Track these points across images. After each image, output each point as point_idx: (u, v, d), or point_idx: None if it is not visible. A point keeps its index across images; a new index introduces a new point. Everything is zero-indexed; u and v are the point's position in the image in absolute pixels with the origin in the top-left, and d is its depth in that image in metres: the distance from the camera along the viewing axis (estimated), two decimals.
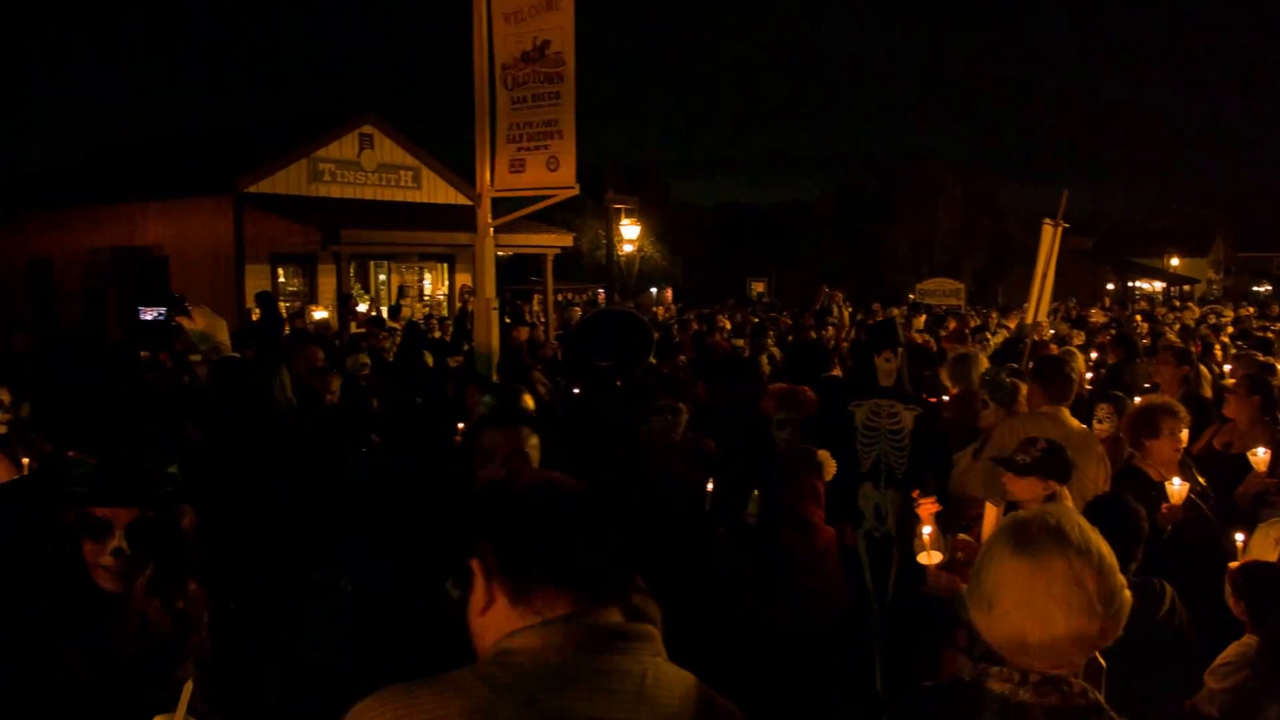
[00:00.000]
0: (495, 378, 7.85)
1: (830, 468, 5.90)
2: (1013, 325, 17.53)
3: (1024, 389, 6.22)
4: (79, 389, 8.15)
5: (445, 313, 23.02)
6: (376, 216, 22.47)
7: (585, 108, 8.21)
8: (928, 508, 4.71)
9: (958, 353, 8.71)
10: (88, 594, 2.57)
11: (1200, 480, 5.48)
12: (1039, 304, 9.65)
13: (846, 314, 18.16)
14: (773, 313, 21.56)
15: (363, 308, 21.58)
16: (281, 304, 19.48)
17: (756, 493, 5.73)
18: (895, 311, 21.08)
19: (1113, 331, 15.58)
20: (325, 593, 4.56)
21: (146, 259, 22.27)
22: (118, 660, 2.53)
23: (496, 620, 1.84)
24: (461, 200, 23.73)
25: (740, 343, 13.91)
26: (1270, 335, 14.64)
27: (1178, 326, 17.78)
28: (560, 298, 29.00)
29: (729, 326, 17.70)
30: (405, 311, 21.57)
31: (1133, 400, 6.66)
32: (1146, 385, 8.59)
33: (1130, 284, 56.73)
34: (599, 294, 33.40)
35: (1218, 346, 13.07)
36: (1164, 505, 4.95)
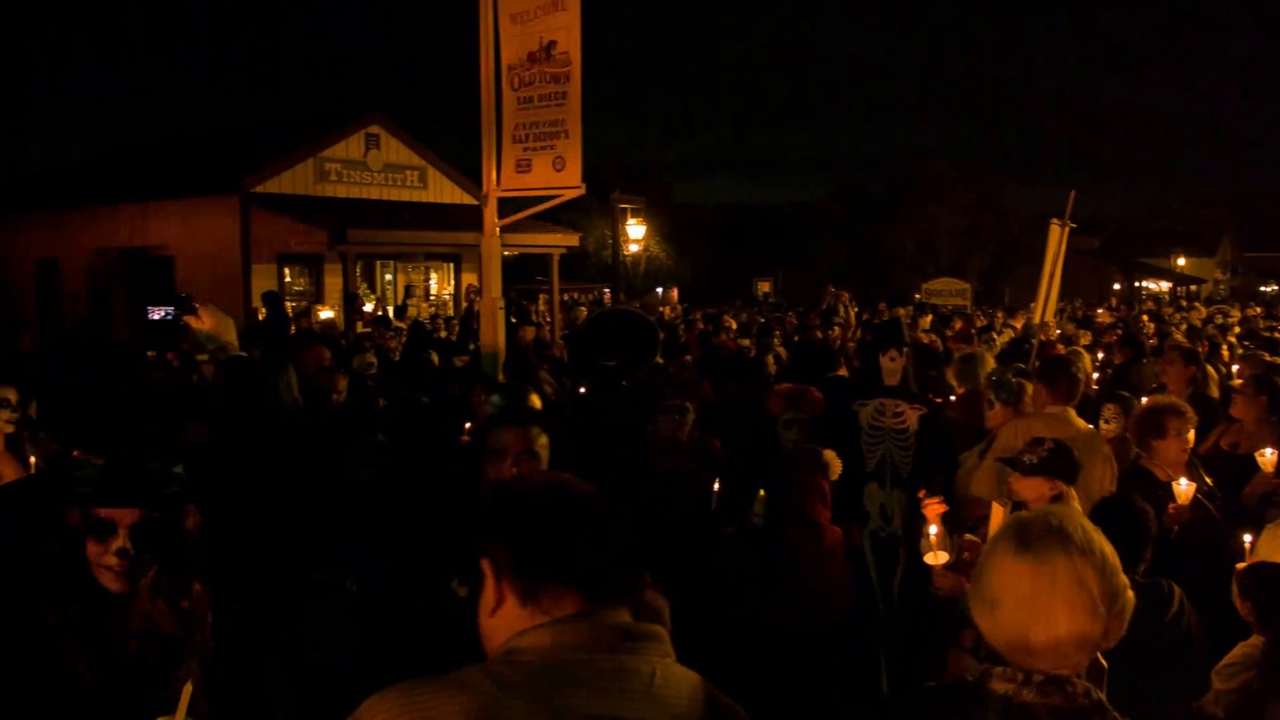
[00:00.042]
0: (501, 377, 7.85)
1: (836, 467, 5.89)
2: (1019, 325, 17.52)
3: (1030, 389, 6.22)
4: (84, 389, 8.17)
5: (451, 312, 23.04)
6: (383, 216, 22.50)
7: (591, 108, 8.21)
8: (934, 508, 4.70)
9: (964, 352, 8.71)
10: (91, 594, 2.57)
11: (1207, 480, 5.47)
12: (1046, 304, 9.63)
13: (852, 314, 18.16)
14: (777, 313, 21.55)
15: (369, 307, 21.61)
16: (288, 304, 19.51)
17: (762, 492, 5.73)
18: (901, 311, 21.06)
19: (1119, 332, 15.55)
20: (329, 592, 4.56)
21: (153, 259, 22.31)
22: (121, 661, 2.53)
23: (506, 620, 1.84)
24: (467, 200, 23.75)
25: (746, 343, 13.91)
26: (1277, 335, 14.61)
27: (1184, 327, 17.75)
28: (566, 297, 29.01)
29: (735, 326, 17.70)
30: (411, 311, 21.59)
31: (1139, 400, 6.66)
32: (1154, 385, 8.58)
33: (1137, 284, 56.65)
34: (605, 294, 33.40)
35: (1224, 347, 13.04)
36: (1171, 505, 4.95)
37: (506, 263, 10.91)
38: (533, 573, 1.83)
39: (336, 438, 5.87)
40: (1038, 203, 46.78)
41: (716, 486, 5.85)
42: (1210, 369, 8.64)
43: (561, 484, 1.98)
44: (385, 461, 5.88)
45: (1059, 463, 4.28)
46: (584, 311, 22.90)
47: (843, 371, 9.30)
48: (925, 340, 12.76)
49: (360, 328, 16.94)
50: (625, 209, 25.17)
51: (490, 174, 8.53)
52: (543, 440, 3.39)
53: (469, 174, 23.13)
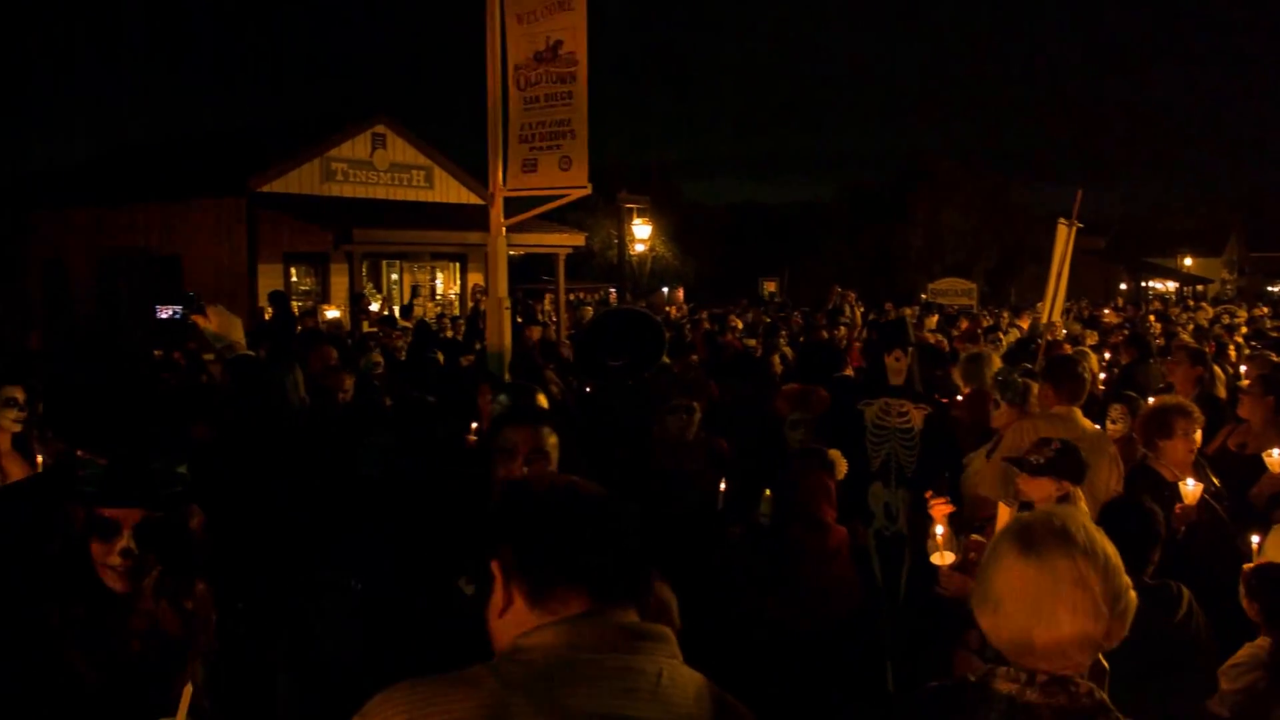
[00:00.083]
0: (507, 377, 7.85)
1: (842, 467, 5.89)
2: (1025, 325, 17.50)
3: (1036, 389, 6.21)
4: (87, 388, 8.19)
5: (457, 312, 23.07)
6: (389, 216, 22.53)
7: (597, 108, 8.21)
8: (941, 508, 4.70)
9: (970, 352, 8.70)
10: (95, 594, 2.57)
11: (1215, 481, 5.46)
12: (1053, 304, 9.62)
13: (859, 314, 18.15)
14: (782, 313, 21.55)
15: (375, 307, 21.63)
16: (294, 303, 19.54)
17: (768, 492, 5.73)
18: (908, 311, 21.04)
19: (1126, 332, 15.53)
20: (335, 591, 4.57)
21: (159, 259, 22.35)
22: (124, 661, 2.53)
23: (514, 621, 1.85)
24: (473, 200, 23.78)
25: (752, 342, 13.91)
26: None
27: (1191, 327, 17.72)
28: (572, 297, 29.02)
29: (741, 326, 17.70)
30: (417, 311, 21.62)
31: (1146, 401, 6.64)
32: (1160, 386, 8.56)
33: (1143, 284, 56.54)
34: (611, 293, 33.42)
35: (1231, 347, 13.02)
36: (1178, 506, 4.94)
37: (512, 262, 10.92)
38: (540, 574, 1.84)
39: (343, 437, 5.87)
40: (1044, 202, 46.66)
41: (723, 486, 5.85)
42: (1217, 369, 8.62)
43: (570, 486, 1.99)
44: (392, 461, 5.89)
45: (1066, 463, 4.27)
46: (590, 311, 22.91)
47: (848, 371, 9.29)
48: (931, 340, 12.75)
49: (366, 327, 16.96)
50: (631, 209, 25.18)
51: (496, 174, 8.54)
52: (552, 440, 3.39)
53: (475, 174, 23.15)
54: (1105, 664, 2.14)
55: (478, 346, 11.76)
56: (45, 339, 14.94)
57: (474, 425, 6.44)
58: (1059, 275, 9.44)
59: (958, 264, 41.06)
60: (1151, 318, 21.49)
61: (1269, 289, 55.28)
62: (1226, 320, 19.58)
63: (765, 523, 5.70)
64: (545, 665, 1.75)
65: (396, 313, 20.83)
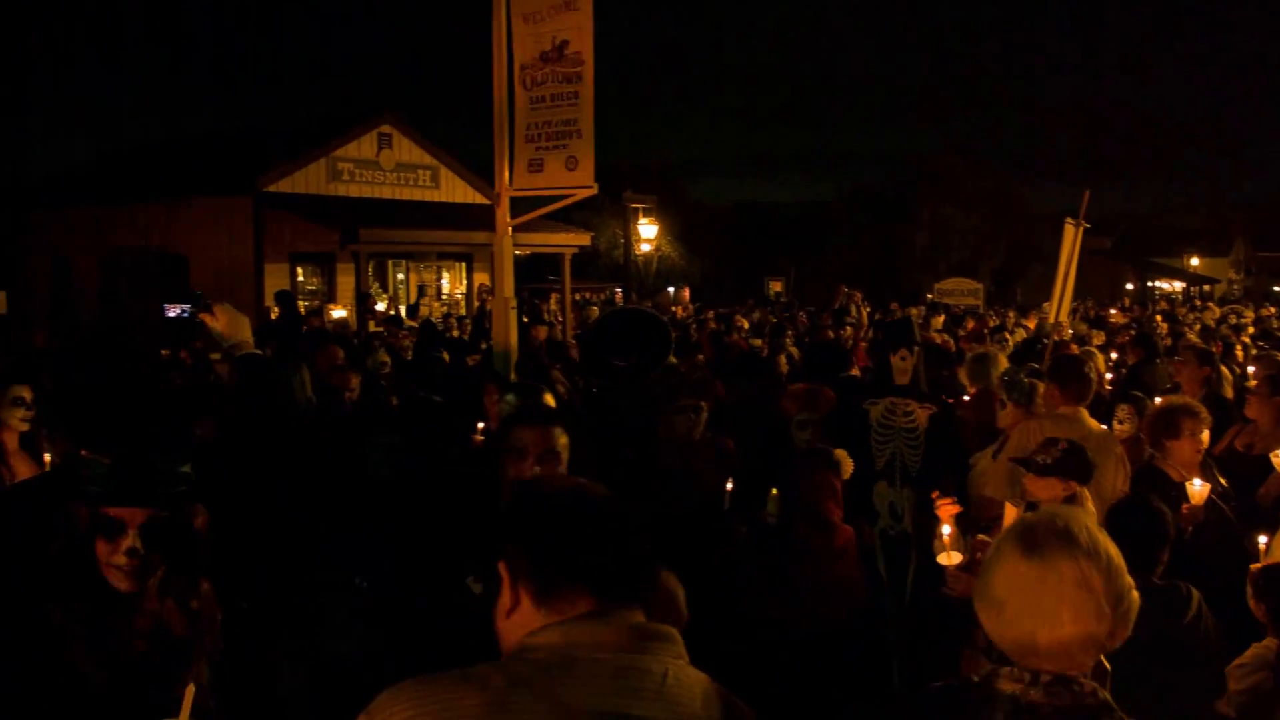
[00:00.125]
0: (513, 377, 7.86)
1: (847, 466, 5.89)
2: (1031, 325, 17.47)
3: (1042, 389, 6.20)
4: (90, 388, 8.20)
5: (463, 311, 23.10)
6: (395, 216, 22.56)
7: (603, 108, 8.21)
8: (948, 509, 4.70)
9: (976, 352, 8.69)
10: (99, 594, 2.57)
11: (1222, 481, 5.45)
12: (1061, 304, 9.59)
13: (865, 314, 18.12)
14: (787, 313, 21.52)
15: (381, 306, 21.66)
16: (300, 303, 19.57)
17: (775, 491, 5.73)
18: (914, 311, 21.00)
19: (1132, 332, 15.50)
20: (340, 590, 4.57)
21: (166, 258, 22.41)
22: (128, 661, 2.53)
23: (521, 621, 1.86)
24: (479, 199, 23.81)
25: (758, 342, 13.90)
26: None
27: (1198, 327, 17.68)
28: (578, 297, 29.03)
29: (747, 326, 17.69)
30: (423, 310, 21.65)
31: (1153, 401, 6.64)
32: (1167, 386, 8.55)
33: (1150, 284, 56.44)
34: (617, 293, 33.41)
35: (1239, 347, 13.00)
36: (1185, 506, 4.94)
37: (518, 262, 10.92)
38: (547, 575, 1.85)
39: (350, 436, 5.88)
40: (1050, 202, 46.61)
41: (729, 486, 5.85)
42: (1224, 369, 8.61)
43: (577, 488, 2.00)
44: (399, 460, 5.90)
45: (1073, 463, 4.27)
46: (595, 311, 22.91)
47: (854, 371, 9.28)
48: (937, 340, 12.73)
49: (372, 327, 16.98)
50: (637, 208, 25.16)
51: (503, 173, 8.55)
52: (563, 440, 3.39)
53: (481, 173, 23.21)
54: (1107, 665, 2.14)
55: (484, 346, 11.77)
56: (51, 338, 14.96)
57: (480, 425, 6.45)
58: (1066, 275, 9.40)
59: (963, 263, 41.04)
60: (1158, 318, 21.44)
61: (1276, 289, 55.07)
62: (1233, 320, 19.54)
63: (772, 522, 5.69)
64: (550, 664, 1.76)
65: (403, 312, 20.86)
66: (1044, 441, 4.44)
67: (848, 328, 15.33)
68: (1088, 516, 2.21)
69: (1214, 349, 9.63)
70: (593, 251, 33.83)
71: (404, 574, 4.27)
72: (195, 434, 5.88)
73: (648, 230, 26.19)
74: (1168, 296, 46.20)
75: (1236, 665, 3.77)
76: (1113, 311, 25.72)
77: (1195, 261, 59.43)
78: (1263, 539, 4.46)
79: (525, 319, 13.07)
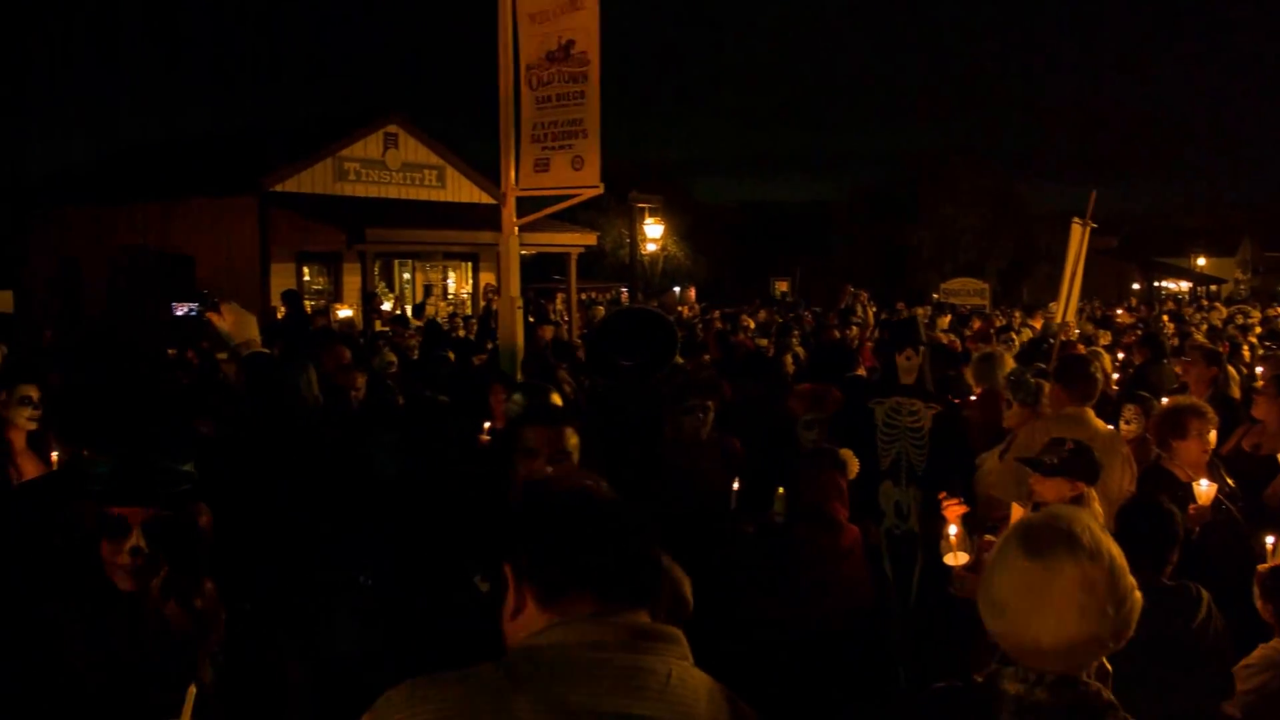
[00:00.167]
0: (519, 376, 7.86)
1: (853, 466, 5.89)
2: (1037, 325, 17.45)
3: (1048, 389, 6.20)
4: (91, 388, 8.21)
5: (469, 311, 23.12)
6: (401, 215, 22.59)
7: (609, 107, 8.21)
8: (954, 509, 4.70)
9: (982, 352, 8.68)
10: (103, 593, 2.57)
11: (1229, 482, 5.44)
12: (1067, 304, 9.58)
13: (871, 313, 18.11)
14: (792, 313, 21.51)
15: (387, 306, 21.68)
16: (307, 302, 19.60)
17: (781, 491, 5.73)
18: (920, 311, 21.00)
19: (1139, 332, 15.47)
20: (345, 589, 4.58)
21: (173, 258, 22.45)
22: (131, 662, 2.52)
23: (527, 623, 1.86)
24: (485, 199, 23.83)
25: (764, 342, 13.90)
26: None
27: (1205, 327, 17.65)
28: (584, 296, 29.03)
29: (753, 326, 17.68)
30: (430, 310, 21.67)
31: (1160, 401, 6.62)
32: (1174, 386, 8.53)
33: (1156, 284, 56.34)
34: (622, 293, 33.41)
35: (1245, 347, 12.96)
36: (1192, 506, 4.93)
37: (524, 262, 10.93)
38: (552, 577, 1.85)
39: (356, 435, 5.88)
40: (1056, 201, 46.57)
41: (736, 485, 5.85)
42: (1231, 369, 8.59)
43: (584, 490, 2.00)
44: (405, 459, 5.90)
45: (1080, 463, 4.26)
46: (601, 311, 22.90)
47: (861, 371, 9.27)
48: (944, 340, 12.72)
49: (379, 326, 17.00)
50: (643, 208, 25.13)
51: (509, 173, 8.54)
52: (574, 440, 3.40)
53: (487, 173, 23.20)
54: (1108, 666, 2.14)
55: (490, 346, 11.78)
56: (58, 337, 15.01)
57: (486, 424, 6.45)
58: (1073, 275, 9.39)
59: (970, 263, 40.95)
60: (1165, 318, 21.40)
61: None
62: (1240, 320, 19.49)
63: (779, 521, 5.70)
64: (553, 664, 1.76)
65: (408, 312, 20.88)
66: (1051, 442, 4.43)
67: (853, 328, 15.32)
68: (1090, 517, 2.21)
69: (1221, 349, 9.62)
70: (598, 251, 33.83)
71: (408, 573, 4.28)
72: (199, 432, 5.89)
73: (653, 230, 26.15)
74: (1174, 296, 46.10)
75: (1243, 666, 3.77)
76: (1119, 311, 25.69)
77: (1202, 261, 59.31)
78: (1270, 539, 4.46)
79: (531, 319, 13.06)
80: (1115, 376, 9.77)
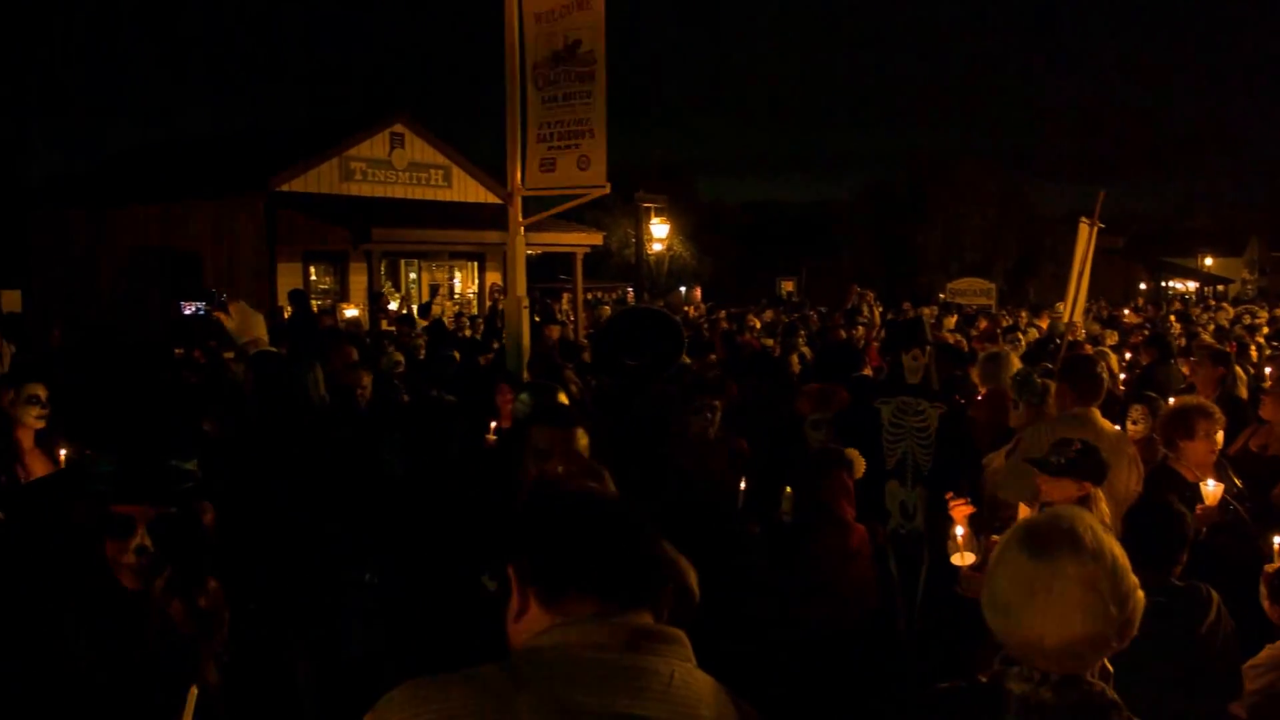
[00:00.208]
0: (526, 376, 7.87)
1: (859, 466, 5.89)
2: (1044, 325, 17.41)
3: (1054, 388, 6.19)
4: (98, 386, 8.23)
5: (475, 311, 23.14)
6: (407, 215, 22.60)
7: (615, 106, 8.22)
8: (961, 509, 4.69)
9: (989, 352, 8.67)
10: (107, 593, 2.57)
11: (1236, 482, 5.43)
12: (1075, 304, 9.55)
13: (877, 313, 18.10)
14: (796, 313, 21.50)
15: (394, 306, 21.70)
16: (313, 302, 19.63)
17: (789, 490, 5.73)
18: (926, 311, 20.97)
19: (1146, 332, 15.44)
20: (353, 588, 4.58)
21: (181, 257, 22.49)
22: (136, 661, 2.52)
23: (530, 625, 1.86)
24: (491, 199, 23.83)
25: (770, 342, 13.89)
26: None
27: (1212, 327, 17.61)
28: (589, 296, 29.04)
29: (759, 325, 17.68)
30: (436, 310, 21.70)
31: (1167, 401, 6.61)
32: (1181, 386, 8.52)
33: (1163, 284, 56.24)
34: (628, 293, 33.41)
35: (1253, 347, 12.93)
36: (1199, 506, 4.92)
37: (529, 261, 10.94)
38: (554, 579, 1.85)
39: (364, 434, 5.90)
40: (1063, 201, 46.58)
41: (743, 485, 5.86)
42: (1239, 370, 8.57)
43: (588, 493, 2.01)
44: (412, 459, 5.91)
45: (1087, 464, 4.26)
46: (607, 310, 22.91)
47: (867, 371, 9.27)
48: (950, 340, 12.70)
49: (385, 326, 17.02)
50: (649, 208, 25.15)
51: (515, 173, 8.55)
52: (585, 441, 3.40)
53: (493, 173, 23.20)
54: (1109, 666, 2.14)
55: (496, 345, 11.79)
56: (66, 336, 15.03)
57: (493, 424, 6.46)
58: (1080, 275, 9.36)
59: (976, 263, 40.91)
60: (1172, 318, 21.36)
61: None
62: (1248, 320, 19.45)
63: (787, 521, 5.70)
64: (555, 665, 1.76)
65: (415, 312, 20.90)
66: (1058, 442, 4.42)
67: (860, 328, 15.31)
68: (1092, 517, 2.22)
69: (1228, 349, 9.60)
70: (604, 251, 33.84)
71: (415, 572, 4.29)
72: (204, 431, 5.90)
73: (659, 230, 26.17)
74: (1181, 296, 46.04)
75: (1250, 666, 3.76)
76: (1126, 312, 25.63)
77: (1209, 261, 59.20)
78: (1277, 539, 4.43)
79: (538, 318, 13.07)
80: (1122, 377, 9.75)
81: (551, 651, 1.79)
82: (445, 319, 19.03)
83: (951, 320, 18.91)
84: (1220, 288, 53.55)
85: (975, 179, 44.58)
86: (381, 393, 7.50)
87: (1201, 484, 5.05)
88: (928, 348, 6.31)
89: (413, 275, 25.45)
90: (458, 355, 10.72)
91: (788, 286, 45.62)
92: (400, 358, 9.86)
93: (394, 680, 1.79)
